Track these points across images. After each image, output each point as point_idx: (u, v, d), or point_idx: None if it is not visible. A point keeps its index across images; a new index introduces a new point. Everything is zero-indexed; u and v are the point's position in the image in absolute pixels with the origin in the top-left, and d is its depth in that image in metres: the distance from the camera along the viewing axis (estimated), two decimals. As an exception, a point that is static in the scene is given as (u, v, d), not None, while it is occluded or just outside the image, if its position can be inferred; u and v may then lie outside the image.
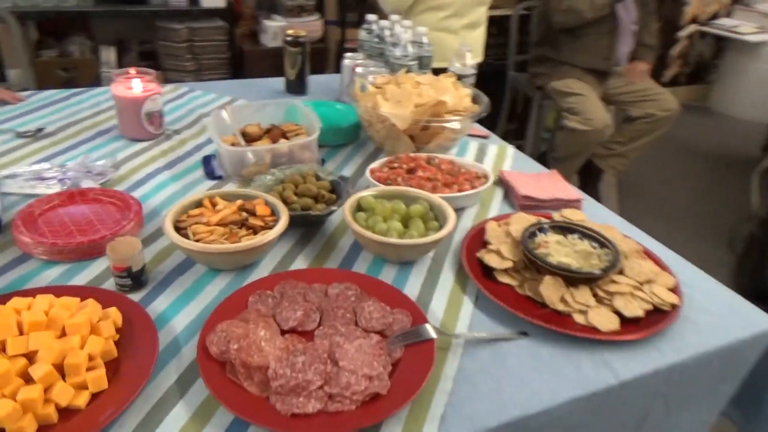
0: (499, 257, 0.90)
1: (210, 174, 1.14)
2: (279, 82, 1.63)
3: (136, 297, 0.81)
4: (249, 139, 1.20)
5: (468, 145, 1.37)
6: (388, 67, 1.48)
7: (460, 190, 1.07)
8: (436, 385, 0.70)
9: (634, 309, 0.82)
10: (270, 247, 0.90)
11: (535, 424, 0.69)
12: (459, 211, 1.08)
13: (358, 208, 0.96)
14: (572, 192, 1.14)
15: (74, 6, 2.56)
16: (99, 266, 0.86)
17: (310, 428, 0.62)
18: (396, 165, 1.12)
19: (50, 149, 1.20)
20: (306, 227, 1.00)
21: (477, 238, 0.98)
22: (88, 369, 0.65)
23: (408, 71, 1.40)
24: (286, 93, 1.62)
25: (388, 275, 0.90)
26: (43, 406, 0.60)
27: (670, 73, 4.45)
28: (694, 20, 4.29)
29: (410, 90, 1.19)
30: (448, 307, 0.84)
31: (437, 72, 1.38)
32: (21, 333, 0.65)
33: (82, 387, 0.64)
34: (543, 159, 2.92)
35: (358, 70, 1.44)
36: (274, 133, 1.21)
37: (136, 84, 1.23)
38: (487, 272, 0.90)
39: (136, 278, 0.81)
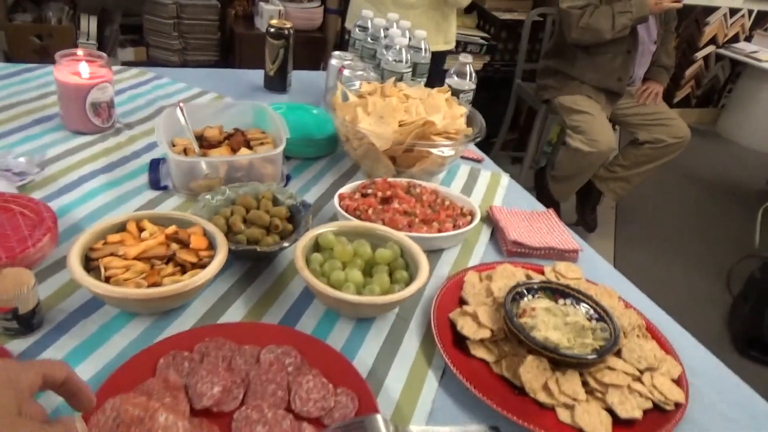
0: (475, 323, 0.75)
1: (154, 183, 0.98)
2: (260, 76, 1.47)
3: (22, 344, 0.66)
4: (206, 144, 1.04)
5: (458, 169, 1.21)
6: (378, 72, 1.32)
7: (440, 230, 0.92)
8: (376, 504, 0.55)
9: (631, 409, 0.67)
10: (198, 292, 0.74)
11: None
12: (437, 252, 0.93)
13: (316, 246, 0.81)
14: (569, 240, 0.99)
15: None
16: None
17: None
18: (370, 191, 0.97)
19: (-23, 135, 1.04)
20: (252, 261, 0.85)
21: (453, 292, 0.83)
22: None
23: (399, 80, 1.24)
24: (264, 89, 1.46)
25: (341, 333, 0.75)
26: None
27: (681, 93, 4.30)
28: (711, 41, 4.13)
29: (396, 105, 1.03)
30: (408, 385, 0.69)
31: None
32: None
33: None
34: (541, 175, 2.77)
35: (345, 72, 1.28)
36: (236, 139, 1.06)
37: (83, 68, 1.07)
38: (459, 339, 0.75)
39: (24, 321, 0.66)
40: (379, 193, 0.96)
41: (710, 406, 0.73)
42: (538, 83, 2.63)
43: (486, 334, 0.74)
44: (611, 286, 0.88)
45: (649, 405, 0.69)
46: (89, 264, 0.71)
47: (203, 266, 0.73)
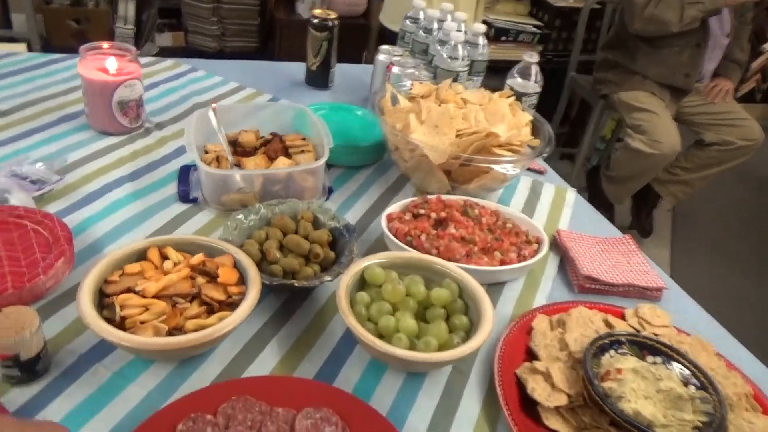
0: (548, 385, 0.63)
1: (183, 195, 0.88)
2: (301, 70, 1.36)
3: (25, 393, 0.57)
4: (241, 151, 0.94)
5: (518, 182, 1.08)
6: (431, 70, 1.19)
7: (503, 261, 0.80)
8: None
9: None
10: (225, 338, 0.64)
11: None
12: (498, 285, 0.81)
13: (362, 281, 0.70)
14: (651, 275, 0.86)
15: (94, -50, 2.31)
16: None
17: None
18: (423, 211, 0.85)
19: (2, 132, 0.96)
20: (289, 293, 0.74)
21: (519, 340, 0.71)
22: None
23: (455, 80, 1.11)
24: (305, 85, 1.35)
25: (389, 388, 0.64)
26: None
27: (745, 87, 4.01)
28: (782, 32, 3.82)
29: (453, 113, 0.91)
30: (468, 460, 0.58)
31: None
32: None
33: None
34: (595, 174, 2.60)
35: (394, 70, 1.16)
36: (274, 146, 0.95)
37: (110, 63, 0.98)
38: (529, 401, 0.63)
39: (27, 368, 0.57)
40: (433, 215, 0.84)
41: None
42: (595, 77, 2.45)
43: (562, 400, 0.62)
44: (704, 334, 0.74)
45: (764, 502, 0.56)
46: (103, 300, 0.62)
47: (232, 304, 0.63)
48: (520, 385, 0.64)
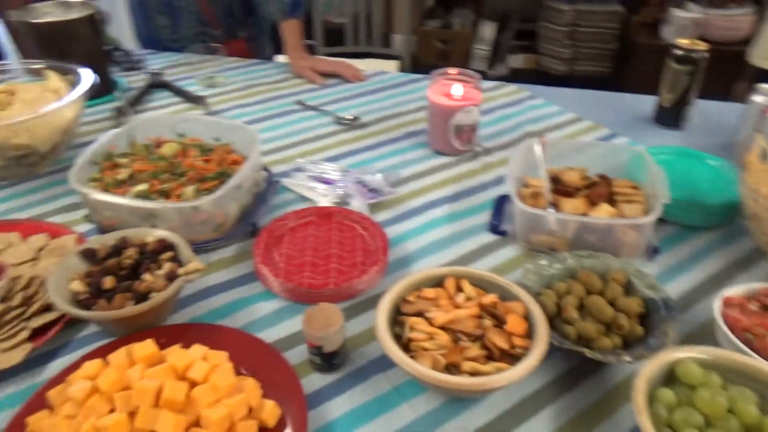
0: None
1: (493, 227, 0.88)
2: (650, 103, 1.22)
3: (320, 380, 0.65)
4: (561, 189, 0.89)
5: None
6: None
7: None
8: None
9: None
10: (498, 390, 0.61)
11: None
12: None
13: (670, 374, 0.58)
14: None
15: (469, -22, 2.52)
16: (310, 318, 0.72)
17: None
18: (776, 304, 0.66)
19: (356, 143, 1.12)
20: (579, 361, 0.67)
21: None
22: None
23: None
24: (653, 122, 1.21)
25: None
26: None
27: None
28: None
29: None
30: None
31: None
32: (157, 403, 0.55)
33: None
34: None
35: (771, 115, 0.94)
36: (598, 190, 0.87)
37: (455, 89, 1.04)
38: None
39: (327, 359, 0.64)
40: (792, 312, 0.65)
41: None
42: None
43: None
44: None
45: None
46: (398, 317, 0.65)
47: (514, 356, 0.60)
48: None
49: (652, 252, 0.82)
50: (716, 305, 0.67)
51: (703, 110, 1.21)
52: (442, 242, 0.85)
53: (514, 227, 0.86)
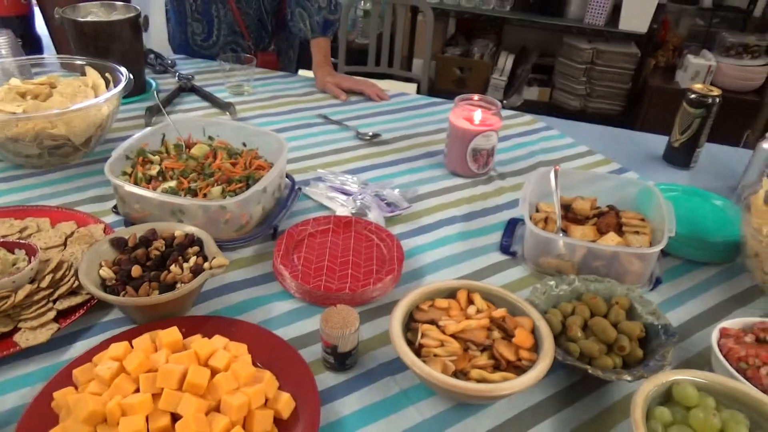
0: None
1: (504, 247, 0.91)
2: (661, 143, 1.26)
3: (332, 379, 0.68)
4: (571, 216, 0.93)
5: None
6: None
7: None
8: None
9: None
10: (503, 398, 0.64)
11: None
12: None
13: (667, 396, 0.61)
14: None
15: (491, 10, 2.59)
16: (325, 319, 0.75)
17: None
18: (772, 339, 0.69)
19: (376, 158, 1.17)
20: (581, 377, 0.69)
21: None
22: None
23: None
24: (663, 161, 1.25)
25: None
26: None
27: None
28: None
29: None
30: None
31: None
32: (180, 386, 0.58)
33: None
34: None
35: (778, 163, 0.98)
36: (607, 220, 0.91)
37: (476, 115, 1.08)
38: None
39: (340, 359, 0.67)
40: (786, 347, 0.68)
41: None
42: None
43: None
44: None
45: None
46: (410, 323, 0.69)
47: (519, 368, 0.63)
48: None
49: (655, 282, 0.85)
50: (714, 335, 0.70)
51: (712, 153, 1.25)
52: (454, 258, 0.89)
53: (524, 249, 0.89)
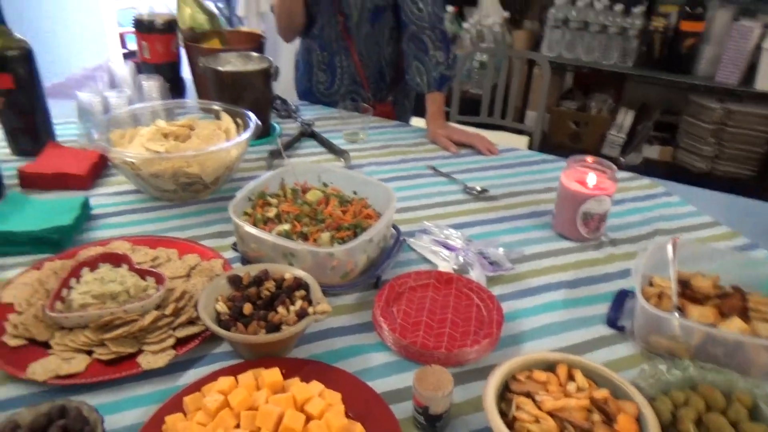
0: None
1: (611, 320, 0.87)
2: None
3: (422, 440, 0.67)
4: (689, 294, 0.87)
5: None
6: None
7: None
8: None
9: None
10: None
11: None
12: None
13: None
14: None
15: (612, 65, 2.52)
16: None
17: None
18: None
19: (482, 214, 1.17)
20: (691, 478, 0.64)
21: None
22: None
23: None
24: (799, 238, 1.14)
25: None
26: None
27: None
28: None
29: None
30: None
31: None
32: (276, 428, 0.60)
33: None
34: None
35: None
36: (731, 302, 0.84)
37: (590, 178, 1.05)
38: None
39: (431, 421, 0.67)
40: None
41: None
42: None
43: None
44: None
45: None
46: (505, 393, 0.67)
47: (620, 459, 0.59)
48: None
49: (786, 379, 0.77)
50: None
51: None
52: (556, 326, 0.86)
53: (633, 325, 0.84)
